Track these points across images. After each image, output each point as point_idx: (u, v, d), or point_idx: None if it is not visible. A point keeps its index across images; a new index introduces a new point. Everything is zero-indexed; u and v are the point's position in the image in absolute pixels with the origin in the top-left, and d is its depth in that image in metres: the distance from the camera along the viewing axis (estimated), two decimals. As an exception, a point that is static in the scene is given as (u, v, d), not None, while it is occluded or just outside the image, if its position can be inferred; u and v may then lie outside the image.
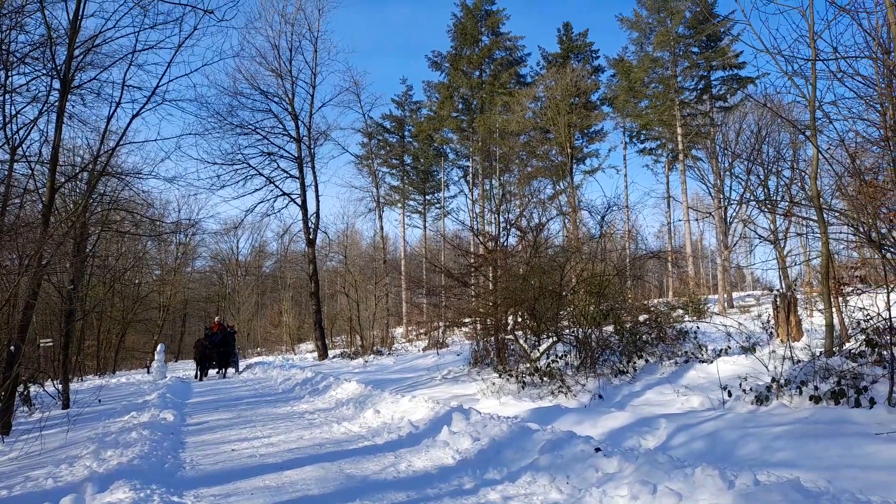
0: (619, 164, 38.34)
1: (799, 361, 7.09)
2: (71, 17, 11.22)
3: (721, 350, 9.31)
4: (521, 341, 11.07)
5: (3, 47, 11.79)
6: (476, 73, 35.52)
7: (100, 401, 13.54)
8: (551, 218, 23.59)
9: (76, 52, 11.56)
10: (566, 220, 26.90)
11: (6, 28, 11.90)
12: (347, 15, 78.95)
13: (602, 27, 75.61)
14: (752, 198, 20.17)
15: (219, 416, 10.13)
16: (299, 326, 37.97)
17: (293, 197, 25.20)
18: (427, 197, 41.52)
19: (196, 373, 20.74)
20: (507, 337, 11.32)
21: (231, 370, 21.75)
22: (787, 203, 12.05)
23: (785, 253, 19.19)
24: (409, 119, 39.55)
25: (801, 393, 6.16)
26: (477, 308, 12.32)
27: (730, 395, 6.80)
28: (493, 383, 9.82)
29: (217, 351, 20.69)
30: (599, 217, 13.47)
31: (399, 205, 39.45)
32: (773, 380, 6.51)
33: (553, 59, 35.15)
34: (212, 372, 21.06)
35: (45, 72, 12.29)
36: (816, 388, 6.09)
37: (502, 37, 35.56)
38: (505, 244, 13.37)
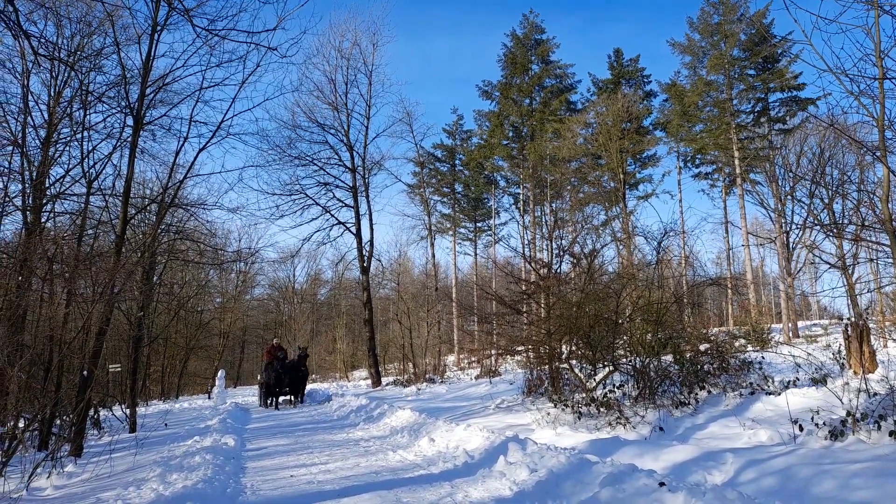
0: (673, 189, 37.63)
1: (875, 394, 6.71)
2: (143, 58, 11.92)
3: (789, 381, 8.90)
4: (576, 370, 10.87)
5: (83, 87, 12.66)
6: (526, 101, 35.72)
7: (166, 425, 13.99)
8: (605, 244, 23.29)
9: (148, 91, 12.25)
10: (620, 247, 26.47)
11: (86, 70, 12.79)
12: (399, 48, 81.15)
13: (653, 52, 75.11)
14: (816, 222, 19.43)
15: (277, 441, 10.31)
16: (353, 353, 38.33)
17: (348, 226, 25.72)
18: (478, 224, 41.69)
19: (261, 399, 18.87)
20: (561, 366, 11.14)
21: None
22: (855, 227, 11.55)
23: (854, 280, 18.32)
24: (459, 148, 40.01)
25: (879, 428, 5.82)
26: (530, 336, 12.20)
27: (801, 429, 6.48)
28: (548, 413, 9.65)
29: (291, 376, 18.43)
30: (655, 243, 13.18)
31: (450, 232, 39.73)
32: (849, 413, 6.18)
33: (604, 85, 35.06)
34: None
35: (119, 109, 13.12)
36: (896, 424, 5.75)
37: (552, 65, 35.74)
38: (558, 271, 13.25)
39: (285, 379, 18.27)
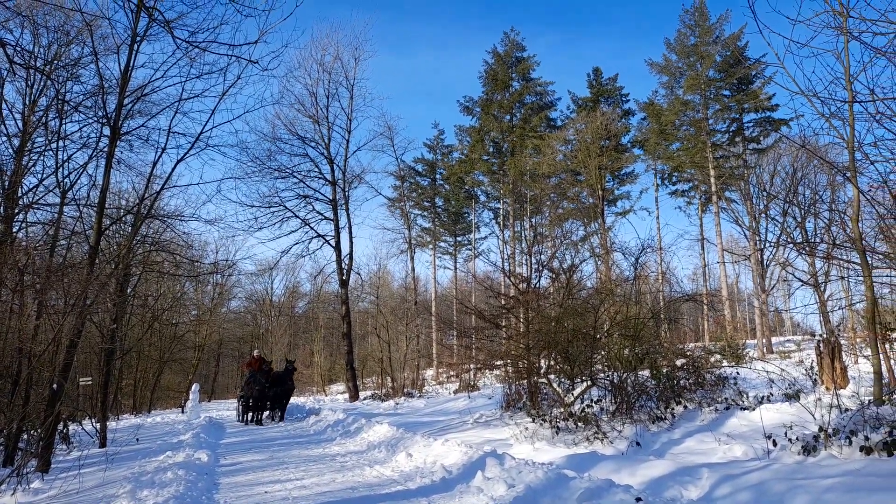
0: (650, 206, 38.11)
1: (847, 410, 6.82)
2: (122, 68, 11.80)
3: (763, 397, 9.02)
4: (555, 385, 10.90)
5: (59, 97, 12.49)
6: (507, 117, 36.04)
7: (138, 440, 13.70)
8: (584, 260, 23.48)
9: (126, 101, 12.12)
10: (598, 262, 26.69)
11: (62, 79, 12.63)
12: (381, 63, 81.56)
13: (631, 72, 76.49)
14: (789, 240, 19.79)
15: (251, 457, 10.15)
16: (330, 367, 38.01)
17: (327, 238, 25.60)
18: (458, 238, 41.77)
19: (240, 415, 17.70)
20: (539, 380, 11.16)
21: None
22: (827, 245, 11.80)
23: (826, 297, 18.68)
24: (440, 162, 40.15)
25: (850, 443, 5.91)
26: (509, 350, 12.21)
27: (775, 444, 6.56)
28: (527, 428, 9.65)
29: (275, 390, 17.12)
30: (633, 259, 13.31)
31: (430, 246, 39.74)
32: (821, 429, 6.27)
33: (583, 102, 35.53)
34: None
35: (95, 119, 12.95)
36: (867, 439, 5.84)
37: (533, 82, 36.16)
38: (537, 286, 13.31)
39: (269, 393, 16.93)
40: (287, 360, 18.33)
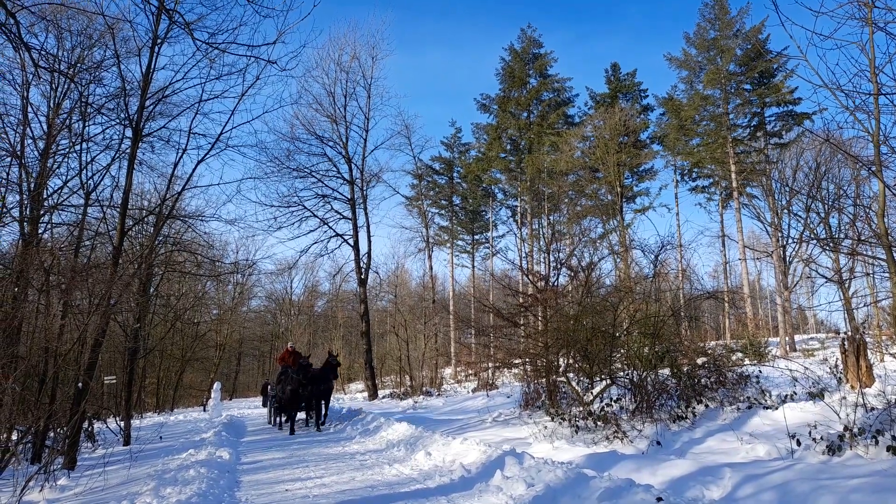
0: (670, 203, 37.40)
1: (873, 409, 6.70)
2: (143, 71, 11.98)
3: (786, 396, 8.88)
4: (574, 384, 10.84)
5: (83, 99, 12.70)
6: (524, 115, 35.86)
7: (161, 437, 13.90)
8: (602, 257, 23.30)
9: (147, 103, 12.30)
10: (617, 260, 26.50)
11: (86, 82, 12.84)
12: (397, 61, 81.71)
13: (650, 68, 75.74)
14: (812, 236, 19.48)
15: (272, 455, 10.24)
16: (349, 366, 38.20)
17: (346, 238, 25.74)
18: (475, 237, 41.69)
19: (270, 416, 16.17)
20: (558, 379, 11.11)
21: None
22: (851, 241, 11.58)
23: (851, 294, 18.36)
24: (457, 160, 40.11)
25: (877, 443, 5.80)
26: (527, 349, 12.17)
27: (799, 444, 6.46)
28: (545, 427, 9.61)
29: (311, 389, 14.26)
30: (652, 256, 13.17)
31: (448, 245, 39.72)
32: (846, 428, 6.16)
33: (601, 98, 35.23)
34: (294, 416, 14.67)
35: (118, 121, 13.16)
36: (894, 438, 5.73)
37: (550, 79, 35.94)
38: (555, 284, 13.24)
39: (305, 392, 14.18)
40: (330, 354, 15.74)
